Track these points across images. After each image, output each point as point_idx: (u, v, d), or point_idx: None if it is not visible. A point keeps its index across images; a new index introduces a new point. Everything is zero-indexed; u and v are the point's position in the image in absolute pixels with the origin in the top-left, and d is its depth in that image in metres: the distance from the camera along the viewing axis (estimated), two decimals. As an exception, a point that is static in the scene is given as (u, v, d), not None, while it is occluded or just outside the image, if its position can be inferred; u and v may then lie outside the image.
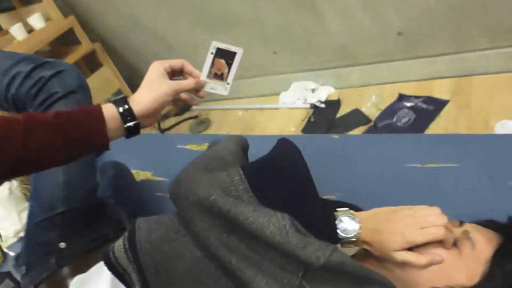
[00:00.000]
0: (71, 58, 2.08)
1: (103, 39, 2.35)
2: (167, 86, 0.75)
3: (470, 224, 0.64)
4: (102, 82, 2.24)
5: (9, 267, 1.24)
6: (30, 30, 2.03)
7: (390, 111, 1.80)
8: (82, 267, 0.82)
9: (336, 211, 0.66)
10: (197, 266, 0.65)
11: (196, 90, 0.82)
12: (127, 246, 0.68)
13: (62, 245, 0.85)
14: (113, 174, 1.24)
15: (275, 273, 0.57)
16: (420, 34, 1.73)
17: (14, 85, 0.91)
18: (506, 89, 1.65)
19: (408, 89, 1.86)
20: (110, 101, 0.72)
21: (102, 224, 0.94)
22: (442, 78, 1.83)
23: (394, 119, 1.74)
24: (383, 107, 1.84)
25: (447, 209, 0.62)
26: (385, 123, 1.75)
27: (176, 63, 0.80)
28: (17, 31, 1.97)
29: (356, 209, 0.70)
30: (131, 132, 0.73)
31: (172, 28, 2.15)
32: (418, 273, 0.60)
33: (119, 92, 2.32)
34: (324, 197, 0.79)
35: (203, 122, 2.38)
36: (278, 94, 2.24)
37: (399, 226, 0.61)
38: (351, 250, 0.72)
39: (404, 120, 1.71)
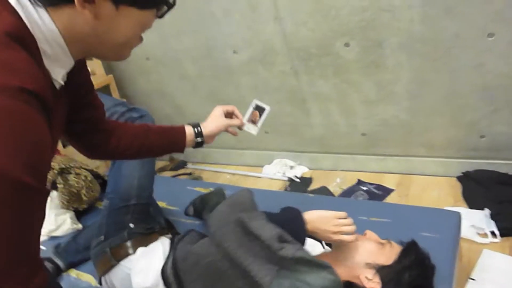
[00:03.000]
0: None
1: (129, 97, 2.85)
2: (224, 121, 1.23)
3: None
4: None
5: (49, 254, 1.60)
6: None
7: (350, 191, 2.33)
8: (141, 242, 1.25)
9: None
10: (190, 273, 1.06)
11: (239, 127, 1.28)
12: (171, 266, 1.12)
13: (131, 225, 1.27)
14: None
15: (265, 263, 0.97)
16: (378, 137, 2.32)
17: (112, 119, 1.38)
18: (435, 188, 2.23)
19: (365, 177, 2.41)
20: (189, 124, 1.20)
21: (151, 220, 1.36)
22: (391, 173, 2.40)
23: (352, 198, 2.26)
24: (345, 187, 2.37)
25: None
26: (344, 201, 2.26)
27: (230, 108, 1.27)
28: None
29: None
30: (197, 145, 1.20)
31: (189, 99, 2.67)
32: (358, 253, 1.07)
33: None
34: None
35: (196, 179, 2.81)
36: (261, 166, 2.74)
37: (328, 229, 1.08)
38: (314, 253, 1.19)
39: (359, 199, 2.23)
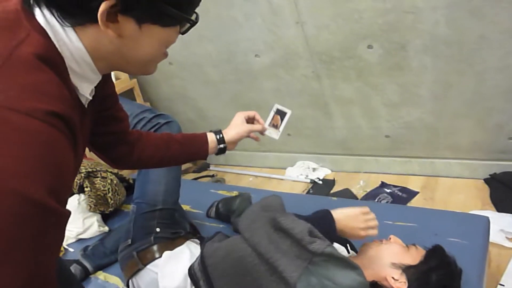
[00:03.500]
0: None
1: (152, 101, 2.90)
2: (245, 127, 1.23)
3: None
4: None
5: (77, 256, 1.64)
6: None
7: (373, 194, 2.31)
8: (167, 247, 1.27)
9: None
10: (221, 269, 1.07)
11: (260, 132, 1.29)
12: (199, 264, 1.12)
13: (158, 230, 1.30)
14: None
15: (293, 259, 0.98)
16: (402, 140, 2.29)
17: (140, 125, 1.41)
18: (462, 190, 2.19)
19: (389, 179, 2.39)
20: (212, 131, 1.21)
21: (176, 225, 1.39)
22: (415, 175, 2.37)
23: (376, 200, 2.24)
24: (368, 190, 2.35)
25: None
26: (367, 204, 2.25)
27: (251, 113, 1.27)
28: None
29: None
30: (220, 152, 1.21)
31: (212, 103, 2.70)
32: (384, 254, 1.08)
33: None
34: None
35: (219, 181, 2.84)
36: (284, 168, 2.75)
37: (358, 227, 1.12)
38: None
39: (383, 202, 2.21)
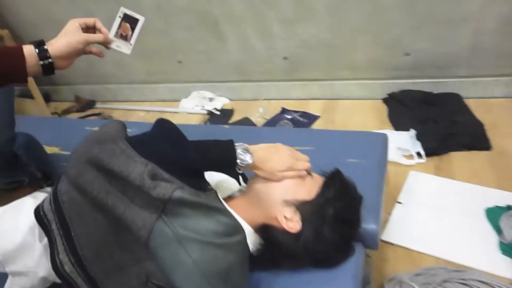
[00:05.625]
0: (-24, 41, 2.11)
1: (12, 27, 2.40)
2: (80, 36, 0.92)
3: None
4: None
5: None
6: None
7: (274, 121, 2.17)
8: (1, 201, 0.97)
9: (234, 145, 0.89)
10: (78, 205, 0.82)
11: (104, 44, 0.99)
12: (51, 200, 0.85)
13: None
14: (25, 140, 1.37)
15: (140, 211, 0.76)
16: (300, 60, 2.14)
17: None
18: (361, 111, 2.13)
19: (290, 105, 2.25)
20: (31, 42, 0.88)
21: (18, 171, 1.09)
22: (315, 99, 2.26)
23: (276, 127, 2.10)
24: (268, 117, 2.20)
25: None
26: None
27: (89, 20, 0.97)
28: None
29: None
30: (47, 70, 0.89)
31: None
32: (274, 190, 0.91)
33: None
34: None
35: (106, 120, 2.52)
36: (178, 100, 2.49)
37: (284, 157, 0.91)
38: (228, 192, 1.01)
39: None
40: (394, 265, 1.38)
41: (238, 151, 0.88)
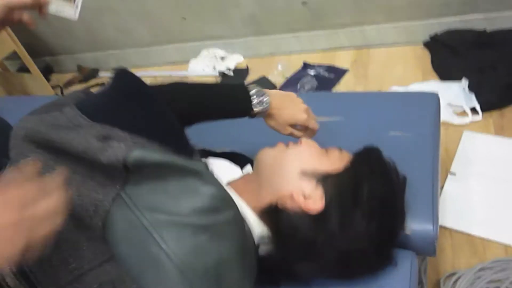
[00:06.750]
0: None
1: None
2: None
3: None
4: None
5: None
6: None
7: (295, 79, 1.87)
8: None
9: (248, 88, 0.76)
10: None
11: (39, 9, 0.74)
12: None
13: None
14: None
15: (92, 192, 0.57)
16: (322, 5, 1.81)
17: None
18: (399, 60, 1.80)
19: (312, 59, 1.94)
20: None
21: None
22: (343, 48, 1.94)
23: (298, 87, 1.81)
24: (288, 75, 1.90)
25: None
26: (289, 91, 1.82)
27: None
28: None
29: None
30: None
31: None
32: (287, 161, 0.70)
33: (14, 54, 2.14)
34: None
35: (110, 90, 2.29)
36: (187, 61, 2.22)
37: (299, 110, 0.80)
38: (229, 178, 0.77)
39: (307, 87, 1.78)
40: (452, 257, 1.12)
41: (253, 91, 0.76)
